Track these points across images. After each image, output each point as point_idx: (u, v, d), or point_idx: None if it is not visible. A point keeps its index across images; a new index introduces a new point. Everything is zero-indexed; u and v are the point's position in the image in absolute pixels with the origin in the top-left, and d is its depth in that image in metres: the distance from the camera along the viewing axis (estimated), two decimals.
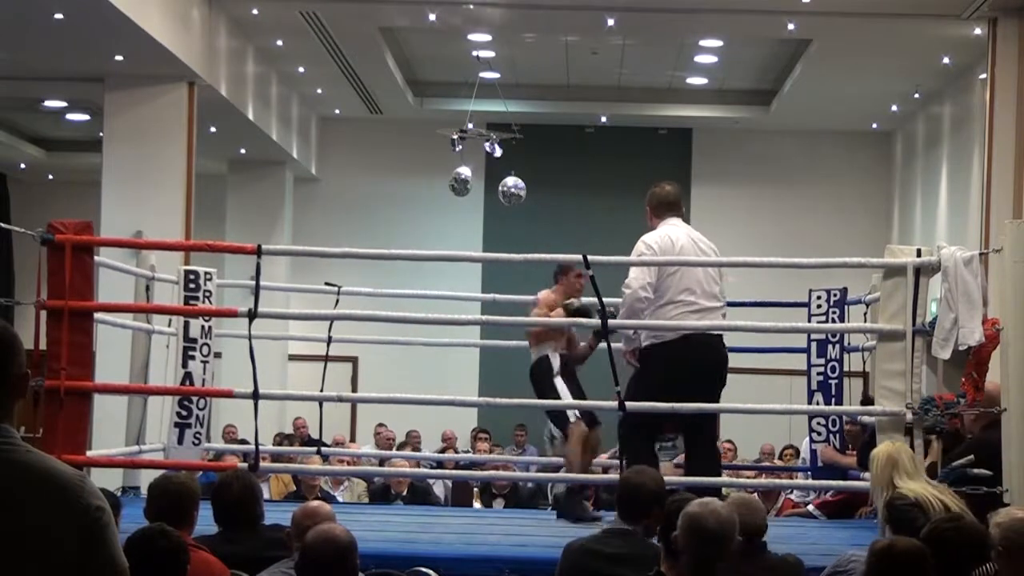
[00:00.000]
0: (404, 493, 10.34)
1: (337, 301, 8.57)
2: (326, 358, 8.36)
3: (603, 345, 6.94)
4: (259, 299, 6.91)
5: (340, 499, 10.44)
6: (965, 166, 13.71)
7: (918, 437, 6.85)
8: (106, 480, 7.48)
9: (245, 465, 7.18)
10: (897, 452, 5.78)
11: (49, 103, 15.34)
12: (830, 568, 4.99)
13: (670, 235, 7.03)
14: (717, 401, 7.09)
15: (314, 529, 4.24)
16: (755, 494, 6.51)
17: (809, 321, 8.21)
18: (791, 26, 12.54)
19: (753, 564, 4.88)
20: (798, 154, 17.60)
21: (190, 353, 8.16)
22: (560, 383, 7.54)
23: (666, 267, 6.91)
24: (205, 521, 5.23)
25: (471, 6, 12.39)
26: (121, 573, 2.61)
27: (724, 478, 9.78)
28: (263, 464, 7.45)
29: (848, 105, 15.79)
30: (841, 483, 8.08)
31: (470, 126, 13.97)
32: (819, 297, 8.24)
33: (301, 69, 15.08)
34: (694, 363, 6.92)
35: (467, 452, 12.82)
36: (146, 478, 7.33)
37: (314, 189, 17.70)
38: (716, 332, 6.96)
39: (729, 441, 13.08)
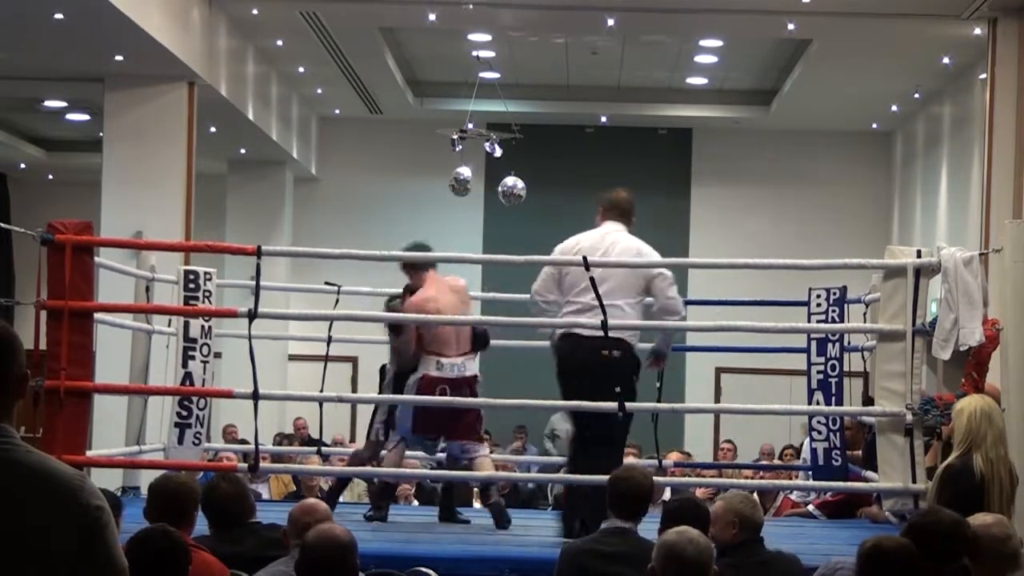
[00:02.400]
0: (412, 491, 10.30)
1: (337, 301, 8.57)
2: (326, 358, 8.36)
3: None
4: (259, 299, 6.91)
5: (340, 499, 10.42)
6: (965, 166, 13.71)
7: (918, 438, 6.85)
8: (106, 480, 7.49)
9: (244, 465, 7.20)
10: (991, 409, 5.65)
11: (49, 103, 15.34)
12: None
13: (580, 237, 7.08)
14: (588, 398, 6.84)
15: (315, 528, 4.24)
16: (753, 494, 6.51)
17: (809, 319, 8.20)
18: (791, 26, 12.54)
19: (750, 558, 4.90)
20: (798, 154, 17.60)
21: (190, 353, 8.16)
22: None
23: (563, 270, 6.96)
24: (204, 522, 5.24)
25: (471, 6, 12.39)
26: (121, 573, 2.61)
27: (724, 479, 9.80)
28: (263, 464, 7.45)
29: (848, 105, 15.79)
30: (841, 483, 8.07)
31: (470, 126, 13.96)
32: (819, 296, 8.23)
33: (301, 69, 15.08)
34: (567, 360, 6.93)
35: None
36: (146, 478, 7.33)
37: (314, 189, 17.70)
38: (588, 330, 6.85)
39: (729, 441, 13.09)
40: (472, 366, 7.46)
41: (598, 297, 6.80)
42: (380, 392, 7.93)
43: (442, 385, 7.31)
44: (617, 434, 6.88)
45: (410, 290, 7.63)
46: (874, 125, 17.00)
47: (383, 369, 7.95)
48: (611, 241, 7.01)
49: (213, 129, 14.20)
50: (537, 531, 7.33)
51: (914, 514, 5.04)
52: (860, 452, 8.40)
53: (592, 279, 6.82)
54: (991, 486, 5.44)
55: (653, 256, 7.07)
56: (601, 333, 6.73)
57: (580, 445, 7.04)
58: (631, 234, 7.07)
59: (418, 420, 7.37)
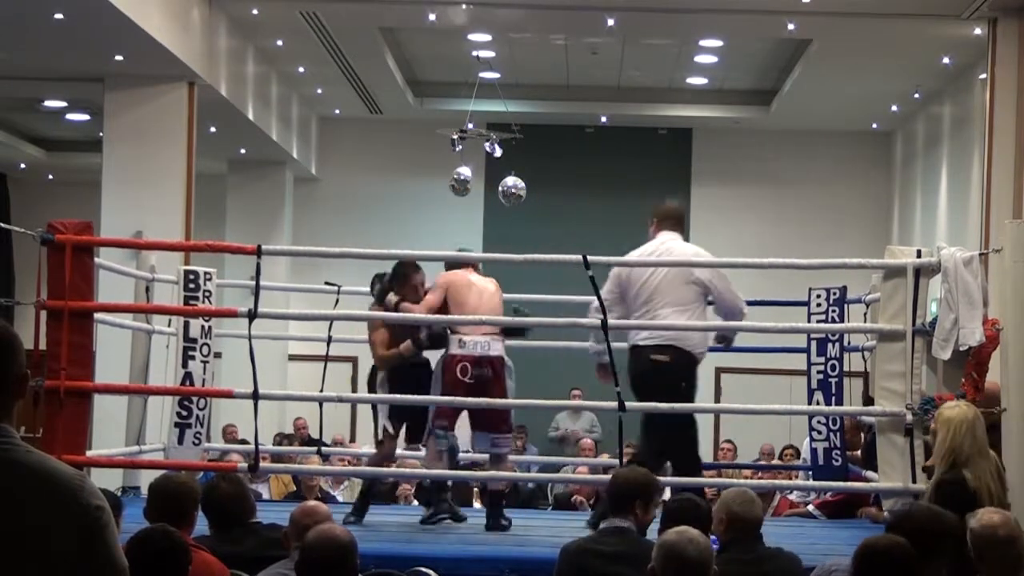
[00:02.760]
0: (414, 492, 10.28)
1: (337, 301, 8.57)
2: (326, 358, 8.36)
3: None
4: (259, 299, 6.91)
5: (340, 499, 10.43)
6: (965, 166, 13.71)
7: (918, 438, 6.85)
8: (106, 480, 7.49)
9: (244, 465, 7.20)
10: (975, 423, 5.64)
11: (49, 103, 15.34)
12: None
13: (641, 249, 7.19)
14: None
15: (315, 529, 4.24)
16: None
17: (809, 319, 8.21)
18: (791, 26, 12.54)
19: (743, 556, 4.91)
20: (798, 154, 17.60)
21: (190, 353, 8.16)
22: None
23: (633, 280, 7.02)
24: (204, 522, 5.24)
25: (471, 6, 12.39)
26: (121, 573, 2.61)
27: (724, 479, 9.80)
28: (263, 464, 7.45)
29: (848, 105, 15.79)
30: (841, 483, 8.07)
31: (470, 126, 13.96)
32: (819, 296, 8.24)
33: (301, 69, 15.08)
34: (630, 370, 7.09)
35: (467, 452, 12.80)
36: (146, 478, 7.34)
37: (314, 189, 17.70)
38: (643, 339, 6.99)
39: (729, 441, 13.09)
40: (498, 347, 7.34)
41: (598, 296, 6.84)
42: (369, 384, 7.90)
43: (463, 363, 7.21)
44: (677, 434, 7.04)
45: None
46: (874, 125, 17.00)
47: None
48: (666, 249, 7.11)
49: (213, 129, 14.20)
50: (537, 531, 7.33)
51: (891, 517, 5.04)
52: (860, 452, 8.41)
53: (593, 277, 6.87)
54: (981, 494, 5.44)
55: (709, 260, 7.24)
56: (653, 342, 6.93)
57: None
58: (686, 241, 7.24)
59: (440, 406, 7.30)
